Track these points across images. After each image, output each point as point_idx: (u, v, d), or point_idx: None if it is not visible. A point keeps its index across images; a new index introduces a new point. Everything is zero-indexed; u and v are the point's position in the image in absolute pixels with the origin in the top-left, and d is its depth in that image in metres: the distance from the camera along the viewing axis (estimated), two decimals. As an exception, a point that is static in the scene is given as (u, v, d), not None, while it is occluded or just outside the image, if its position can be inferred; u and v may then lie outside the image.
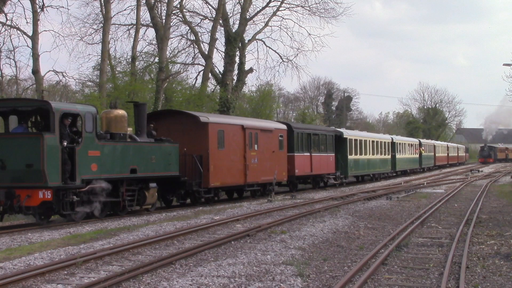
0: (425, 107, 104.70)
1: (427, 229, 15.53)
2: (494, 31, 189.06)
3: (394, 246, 12.20)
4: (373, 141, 40.85)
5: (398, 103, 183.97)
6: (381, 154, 42.27)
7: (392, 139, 46.24)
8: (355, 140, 37.12)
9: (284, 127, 28.38)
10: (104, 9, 34.24)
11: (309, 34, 42.33)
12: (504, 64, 35.96)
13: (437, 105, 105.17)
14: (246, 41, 39.03)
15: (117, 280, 9.18)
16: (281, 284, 9.18)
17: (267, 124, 27.70)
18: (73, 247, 12.60)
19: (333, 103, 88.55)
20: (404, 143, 50.01)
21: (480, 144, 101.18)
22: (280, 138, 27.36)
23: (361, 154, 37.72)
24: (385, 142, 43.86)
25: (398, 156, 46.65)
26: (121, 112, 18.92)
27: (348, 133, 36.53)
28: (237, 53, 37.54)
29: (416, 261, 11.13)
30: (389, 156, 44.29)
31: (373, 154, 40.39)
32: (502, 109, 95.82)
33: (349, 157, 35.36)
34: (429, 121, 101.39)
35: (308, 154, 30.28)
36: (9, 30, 31.57)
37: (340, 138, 34.98)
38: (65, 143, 16.04)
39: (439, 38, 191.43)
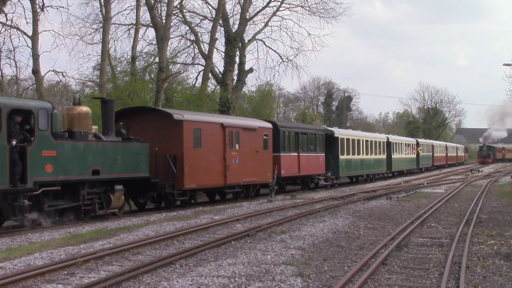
0: (425, 107, 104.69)
1: (427, 229, 15.53)
2: (495, 31, 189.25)
3: (394, 246, 12.20)
4: (367, 141, 39.75)
5: (398, 103, 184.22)
6: (375, 154, 41.23)
7: (387, 138, 45.20)
8: (347, 139, 36.01)
9: (269, 125, 27.15)
10: (104, 9, 34.20)
11: (309, 34, 42.33)
12: (504, 64, 35.96)
13: (437, 105, 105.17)
14: (246, 41, 39.00)
15: (117, 280, 9.19)
16: (281, 284, 9.18)
17: (250, 122, 26.38)
18: (73, 247, 12.60)
19: (333, 103, 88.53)
20: (401, 143, 48.86)
21: (479, 144, 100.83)
22: (264, 137, 26.20)
23: (353, 154, 36.65)
24: (380, 142, 42.85)
25: (394, 156, 45.62)
26: (84, 109, 17.90)
27: (339, 132, 35.37)
28: (237, 53, 37.51)
29: (416, 261, 11.13)
30: (384, 156, 43.29)
31: (367, 154, 39.32)
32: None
33: (341, 157, 34.27)
34: (429, 121, 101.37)
35: (296, 154, 29.26)
36: (9, 30, 31.56)
37: (331, 137, 33.88)
38: (14, 142, 14.78)
39: (440, 38, 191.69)
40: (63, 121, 17.82)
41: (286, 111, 78.11)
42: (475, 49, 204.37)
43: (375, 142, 41.64)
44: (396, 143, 46.99)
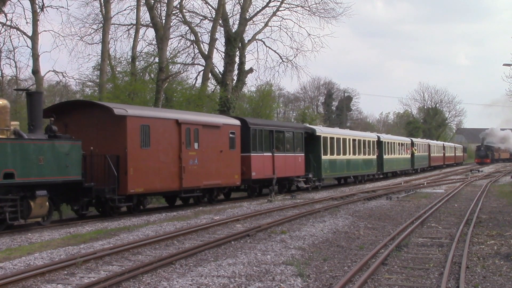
0: (425, 107, 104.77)
1: (427, 229, 15.53)
2: (496, 31, 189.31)
3: (394, 246, 12.20)
4: (354, 140, 37.18)
5: (398, 103, 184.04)
6: (364, 154, 38.70)
7: (378, 137, 42.86)
8: (331, 138, 33.48)
9: (237, 122, 24.63)
10: (104, 9, 34.23)
11: (309, 34, 42.39)
12: (504, 64, 35.98)
13: (437, 105, 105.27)
14: (246, 41, 39.05)
15: (117, 280, 9.19)
16: (281, 284, 9.18)
17: (212, 118, 23.80)
18: (73, 247, 12.61)
19: (333, 103, 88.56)
20: (393, 142, 46.44)
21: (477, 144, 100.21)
22: (231, 135, 23.79)
23: (338, 154, 34.16)
24: (369, 141, 40.26)
25: (386, 156, 43.29)
26: (1, 102, 15.60)
27: (322, 131, 32.91)
28: (237, 53, 37.55)
29: (416, 261, 11.13)
30: (375, 156, 40.79)
31: (354, 154, 36.76)
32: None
33: (323, 157, 31.75)
34: (429, 121, 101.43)
35: (270, 154, 26.75)
36: (9, 30, 31.59)
37: (312, 136, 31.38)
38: None
39: (441, 38, 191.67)
40: None
41: (286, 111, 78.17)
42: (476, 49, 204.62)
43: (364, 141, 39.28)
44: (388, 142, 44.80)
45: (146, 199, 20.22)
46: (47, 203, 16.04)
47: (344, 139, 35.49)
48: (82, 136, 17.92)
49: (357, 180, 38.46)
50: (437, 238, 13.91)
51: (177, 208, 21.64)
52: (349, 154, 36.00)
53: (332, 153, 33.14)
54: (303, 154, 29.98)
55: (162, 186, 20.13)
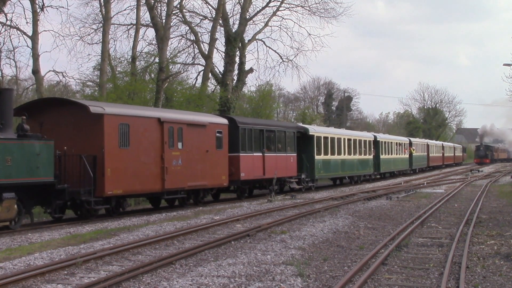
0: (425, 107, 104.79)
1: (427, 229, 15.53)
2: (497, 31, 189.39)
3: (394, 246, 12.20)
4: (349, 139, 36.28)
5: (399, 103, 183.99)
6: (360, 154, 37.84)
7: (375, 137, 42.03)
8: (325, 137, 32.55)
9: (225, 121, 23.77)
10: (104, 9, 34.24)
11: (309, 34, 42.45)
12: (504, 64, 35.99)
13: (437, 105, 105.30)
14: (246, 41, 39.07)
15: (117, 280, 9.19)
16: (281, 284, 9.18)
17: (198, 117, 22.82)
18: (73, 247, 12.61)
19: (333, 103, 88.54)
20: (391, 142, 45.50)
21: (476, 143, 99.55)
22: (217, 134, 22.92)
23: (333, 153, 33.26)
24: (365, 141, 39.30)
25: (382, 156, 42.37)
26: None
27: (315, 130, 31.96)
28: (237, 53, 37.57)
29: (416, 261, 11.13)
30: (371, 157, 39.93)
31: (349, 154, 35.83)
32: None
33: (317, 157, 30.88)
34: (429, 121, 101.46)
35: (260, 154, 25.88)
36: (9, 30, 31.58)
37: (305, 135, 30.49)
38: None
39: (441, 38, 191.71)
40: None
41: (286, 111, 78.18)
42: (477, 49, 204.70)
43: (360, 141, 38.31)
44: (385, 142, 43.80)
45: (125, 201, 19.34)
46: (16, 206, 15.19)
47: (339, 139, 34.64)
48: (58, 135, 17.23)
49: (352, 180, 37.56)
50: (437, 238, 13.91)
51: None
52: (344, 154, 35.13)
53: (326, 153, 32.35)
54: (295, 154, 29.18)
55: (143, 187, 19.23)
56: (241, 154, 24.47)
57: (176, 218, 18.11)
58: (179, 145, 20.72)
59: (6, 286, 8.99)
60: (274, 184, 26.50)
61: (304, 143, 30.41)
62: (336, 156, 33.77)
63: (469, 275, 9.91)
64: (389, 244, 12.68)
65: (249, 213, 18.84)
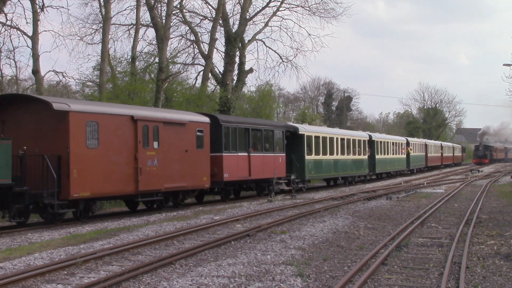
0: (425, 107, 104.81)
1: (427, 229, 15.53)
2: (497, 31, 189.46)
3: (394, 246, 12.21)
4: (342, 139, 35.14)
5: (399, 103, 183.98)
6: (354, 154, 36.74)
7: (370, 136, 40.97)
8: (316, 137, 31.51)
9: (206, 119, 22.60)
10: (104, 9, 34.22)
11: (309, 34, 42.39)
12: (504, 64, 35.96)
13: (437, 105, 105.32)
14: (246, 41, 39.05)
15: (117, 280, 9.19)
16: (281, 284, 9.18)
17: (176, 115, 21.70)
18: (73, 247, 12.61)
19: (333, 103, 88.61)
20: (387, 142, 44.56)
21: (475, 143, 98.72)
22: (198, 133, 21.80)
23: (325, 154, 32.22)
24: (359, 140, 38.18)
25: (378, 156, 41.50)
26: None
27: (305, 129, 30.75)
28: (237, 53, 37.56)
29: (416, 261, 11.13)
30: (366, 157, 38.89)
31: (342, 153, 34.78)
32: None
33: (307, 157, 29.84)
34: (429, 121, 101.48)
35: (246, 154, 24.81)
36: (9, 30, 31.57)
37: (295, 135, 29.44)
38: None
39: (442, 38, 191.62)
40: None
41: (286, 111, 78.22)
42: (477, 49, 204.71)
43: (354, 140, 37.18)
44: (380, 142, 42.88)
45: (95, 204, 18.17)
46: None
47: (331, 138, 33.65)
48: (21, 134, 16.54)
49: (346, 181, 36.58)
50: (437, 238, 13.91)
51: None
52: (337, 154, 34.12)
53: (317, 153, 31.37)
54: (284, 154, 28.04)
55: (114, 189, 18.10)
56: (224, 154, 23.38)
57: (176, 218, 18.11)
58: (155, 144, 19.65)
59: (6, 286, 8.99)
60: (275, 184, 26.46)
61: (294, 143, 29.46)
62: (328, 156, 32.82)
63: (469, 275, 9.91)
64: (389, 244, 12.68)
65: (249, 213, 18.84)
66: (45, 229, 15.91)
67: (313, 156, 30.66)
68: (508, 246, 12.81)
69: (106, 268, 10.41)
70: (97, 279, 9.24)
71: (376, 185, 36.27)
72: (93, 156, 17.26)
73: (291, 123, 31.94)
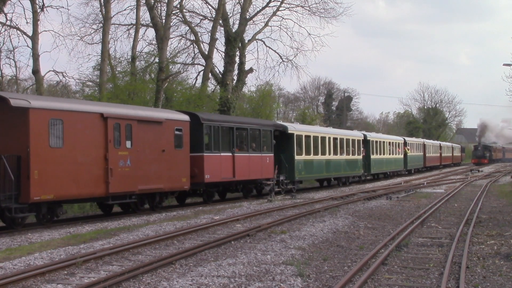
0: (425, 107, 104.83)
1: (427, 229, 15.53)
2: (498, 31, 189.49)
3: (394, 246, 12.21)
4: (335, 138, 34.08)
5: (399, 103, 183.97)
6: (348, 154, 35.74)
7: (364, 136, 39.87)
8: (307, 136, 30.36)
9: (185, 117, 21.37)
10: (104, 9, 34.25)
11: (309, 34, 42.36)
12: (504, 64, 35.94)
13: (437, 105, 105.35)
14: (246, 41, 39.04)
15: (117, 280, 9.19)
16: (281, 284, 9.18)
17: (151, 113, 20.51)
18: (73, 247, 12.61)
19: (333, 103, 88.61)
20: (382, 142, 43.56)
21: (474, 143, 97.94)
22: (177, 132, 20.69)
23: (316, 153, 31.15)
24: (353, 140, 37.12)
25: (373, 156, 40.45)
26: None
27: (295, 128, 29.47)
28: (237, 53, 37.55)
29: (416, 261, 11.13)
30: (360, 157, 37.90)
31: (335, 153, 33.71)
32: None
33: (297, 157, 28.74)
34: (429, 121, 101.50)
35: (230, 154, 23.61)
36: (9, 30, 31.60)
37: (284, 134, 28.27)
38: None
39: (442, 37, 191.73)
40: None
41: (286, 111, 78.22)
42: (478, 49, 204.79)
43: (348, 140, 36.11)
44: (376, 141, 41.86)
45: (60, 207, 17.03)
46: None
47: (323, 138, 32.55)
48: None
49: (340, 182, 35.60)
50: (437, 238, 13.91)
51: (177, 208, 21.56)
52: (329, 154, 33.05)
53: (308, 153, 30.24)
54: (272, 154, 26.83)
55: (81, 191, 16.95)
56: (205, 154, 22.12)
57: (176, 218, 18.11)
58: (128, 144, 18.51)
59: (6, 286, 8.99)
60: (274, 184, 26.43)
61: (284, 143, 28.38)
62: (320, 156, 31.73)
63: (469, 275, 9.91)
64: (389, 244, 12.68)
65: (249, 213, 18.84)
66: (45, 229, 15.91)
67: (303, 156, 29.69)
68: (508, 246, 12.81)
69: (106, 268, 10.41)
70: (97, 279, 9.24)
71: (376, 185, 36.26)
72: (57, 156, 16.12)
73: (281, 122, 30.99)
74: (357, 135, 38.95)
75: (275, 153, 27.37)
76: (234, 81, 37.32)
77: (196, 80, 42.33)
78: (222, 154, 23.13)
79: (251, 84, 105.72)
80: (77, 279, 9.59)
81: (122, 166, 18.16)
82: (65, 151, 16.37)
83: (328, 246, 12.89)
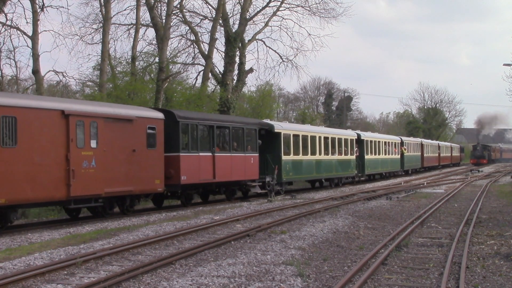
0: (425, 107, 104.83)
1: (427, 229, 15.53)
2: (498, 31, 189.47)
3: (394, 246, 12.21)
4: (326, 138, 32.62)
5: (399, 103, 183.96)
6: (340, 154, 34.28)
7: (358, 135, 38.41)
8: (295, 135, 28.99)
9: (159, 115, 20.07)
10: (104, 9, 34.27)
11: (309, 34, 42.35)
12: (504, 64, 36.01)
13: (437, 105, 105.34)
14: (246, 41, 39.04)
15: (117, 280, 9.19)
16: (281, 284, 9.18)
17: (120, 110, 18.96)
18: (73, 247, 12.61)
19: (333, 103, 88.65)
20: (377, 141, 42.20)
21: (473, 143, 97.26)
22: (149, 131, 19.37)
23: (305, 153, 29.81)
24: (346, 139, 35.64)
25: (368, 156, 39.17)
26: None
27: (282, 127, 28.08)
28: (237, 53, 37.55)
29: (416, 261, 11.13)
30: (353, 157, 36.50)
31: (326, 153, 32.33)
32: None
33: (284, 157, 27.38)
34: (429, 121, 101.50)
35: (210, 154, 22.17)
36: (9, 30, 31.61)
37: (270, 133, 26.90)
38: None
39: (443, 37, 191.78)
40: None
41: (286, 111, 78.26)
42: (478, 49, 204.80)
43: (340, 139, 34.68)
44: (370, 141, 40.55)
45: (15, 212, 15.66)
46: None
47: (313, 137, 31.12)
48: None
49: (332, 183, 34.30)
50: (437, 238, 13.91)
51: (177, 208, 21.55)
52: (320, 154, 31.59)
53: (296, 153, 28.88)
54: (256, 154, 25.39)
55: (38, 195, 15.57)
56: (181, 154, 20.74)
57: (176, 218, 18.11)
58: (93, 143, 17.18)
59: (6, 286, 8.99)
60: (274, 184, 26.40)
61: (270, 142, 26.97)
62: (309, 157, 30.29)
63: (469, 275, 9.91)
64: (389, 244, 12.68)
65: (249, 213, 18.84)
66: (45, 229, 15.91)
67: (291, 156, 28.29)
68: (508, 246, 12.81)
69: (106, 268, 10.41)
70: (97, 279, 9.24)
71: (375, 185, 36.26)
72: (10, 156, 14.82)
73: (267, 121, 29.52)
74: (350, 134, 37.42)
75: (261, 153, 26.14)
76: (234, 81, 37.32)
77: (196, 80, 42.39)
78: (201, 154, 21.73)
79: (251, 84, 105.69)
80: (77, 279, 9.59)
81: (86, 167, 16.83)
82: (19, 151, 15.05)
83: (328, 246, 12.89)
